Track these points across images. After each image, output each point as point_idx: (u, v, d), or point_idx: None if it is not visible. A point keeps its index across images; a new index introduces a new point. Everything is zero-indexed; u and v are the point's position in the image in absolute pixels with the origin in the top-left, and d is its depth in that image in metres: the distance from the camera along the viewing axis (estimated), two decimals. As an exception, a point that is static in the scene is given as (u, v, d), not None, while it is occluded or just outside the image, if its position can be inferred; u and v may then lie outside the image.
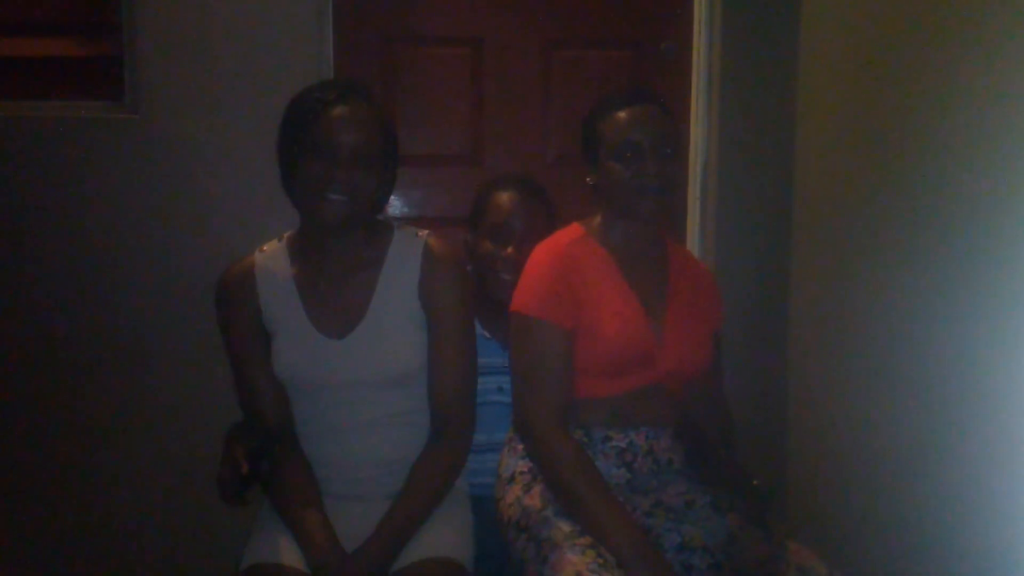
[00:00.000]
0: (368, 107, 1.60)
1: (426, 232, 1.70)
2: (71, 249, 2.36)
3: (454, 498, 1.70)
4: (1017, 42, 1.45)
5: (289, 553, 1.54)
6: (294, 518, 1.56)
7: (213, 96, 2.33)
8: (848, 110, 2.08)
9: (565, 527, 1.57)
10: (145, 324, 2.38)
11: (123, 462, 2.41)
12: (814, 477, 2.21)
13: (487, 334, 1.91)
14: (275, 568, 1.52)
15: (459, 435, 1.67)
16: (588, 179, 1.73)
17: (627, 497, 1.65)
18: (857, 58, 2.04)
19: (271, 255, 1.67)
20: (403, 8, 2.54)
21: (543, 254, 1.69)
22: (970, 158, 1.58)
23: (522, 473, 1.69)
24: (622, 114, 1.67)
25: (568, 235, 1.73)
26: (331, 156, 1.55)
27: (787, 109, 2.38)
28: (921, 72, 1.75)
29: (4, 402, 2.39)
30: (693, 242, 2.54)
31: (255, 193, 2.34)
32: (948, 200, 1.65)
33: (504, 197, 1.94)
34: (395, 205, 2.56)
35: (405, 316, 1.64)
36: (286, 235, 1.71)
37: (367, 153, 1.58)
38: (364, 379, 1.61)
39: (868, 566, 1.88)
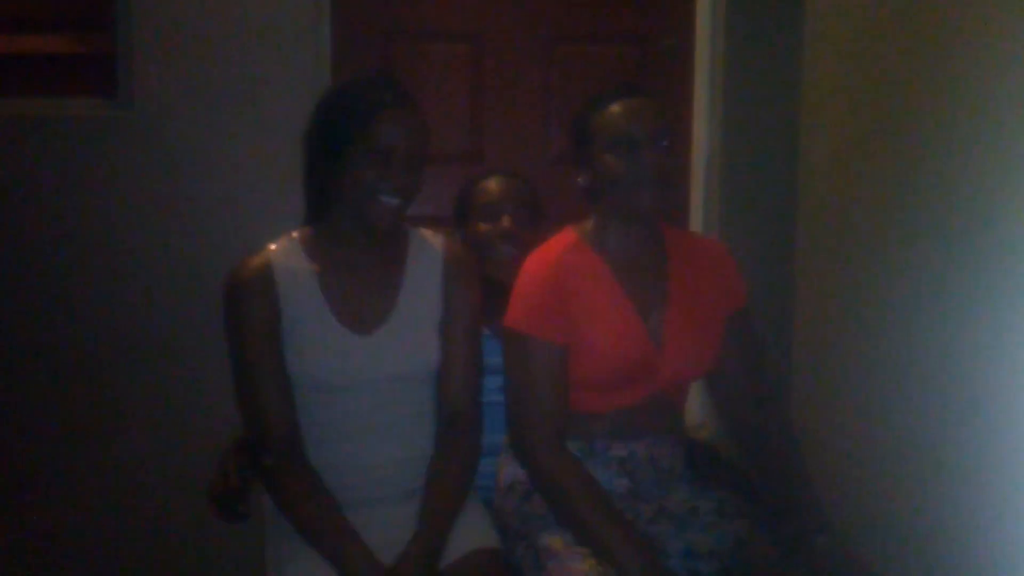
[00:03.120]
0: (417, 110, 1.61)
1: (440, 234, 1.72)
2: (65, 246, 2.35)
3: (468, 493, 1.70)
4: (1021, 42, 1.44)
5: (321, 574, 1.51)
6: (321, 537, 1.52)
7: (208, 92, 2.33)
8: (852, 106, 2.08)
9: (565, 536, 1.55)
10: (141, 321, 2.38)
11: (123, 460, 2.40)
12: (817, 472, 2.20)
13: (488, 331, 1.89)
14: None
15: (471, 431, 1.66)
16: (579, 179, 1.67)
17: (629, 505, 1.63)
18: (860, 51, 2.04)
19: (285, 252, 1.63)
20: (403, 4, 2.53)
21: (535, 266, 1.64)
22: (975, 152, 1.58)
23: (521, 482, 1.67)
24: (615, 107, 1.62)
25: (561, 243, 1.67)
26: (387, 160, 1.55)
27: (790, 103, 2.37)
28: (924, 65, 1.74)
29: (4, 400, 2.38)
30: (697, 240, 2.53)
31: (250, 190, 2.35)
32: (953, 196, 1.64)
33: (490, 182, 1.98)
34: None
35: (430, 312, 1.65)
36: (296, 233, 1.67)
37: (419, 156, 1.59)
38: (392, 374, 1.60)
39: (870, 560, 1.87)
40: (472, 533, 1.60)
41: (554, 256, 1.64)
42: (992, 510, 1.51)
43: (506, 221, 1.90)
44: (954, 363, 1.62)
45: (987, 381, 1.53)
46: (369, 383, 1.59)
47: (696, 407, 2.56)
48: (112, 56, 2.33)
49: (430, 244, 1.69)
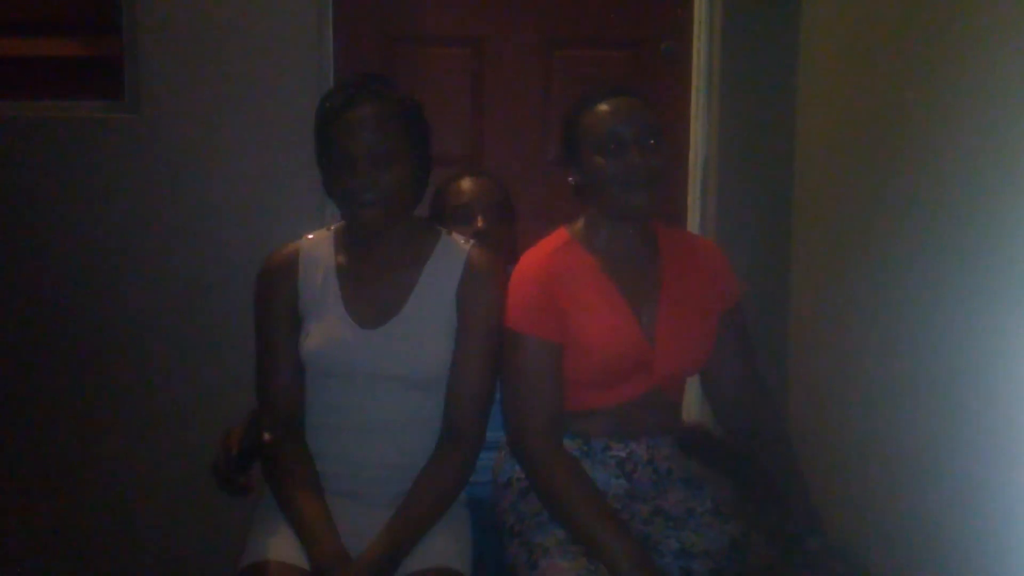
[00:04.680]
0: (380, 104, 1.59)
1: (472, 242, 1.71)
2: (71, 248, 2.36)
3: (454, 505, 1.68)
4: (1018, 41, 1.45)
5: (291, 550, 1.54)
6: (298, 515, 1.56)
7: (213, 96, 2.34)
8: (847, 109, 2.08)
9: (559, 533, 1.56)
10: (144, 322, 2.39)
11: (121, 460, 2.41)
12: (814, 474, 2.21)
13: None
14: (277, 566, 1.51)
15: (469, 445, 1.64)
16: (571, 179, 1.69)
17: (625, 504, 1.64)
18: (856, 57, 2.04)
19: (317, 243, 1.70)
20: (404, 8, 2.54)
21: (527, 266, 1.66)
22: (970, 155, 1.58)
23: (518, 479, 1.68)
24: (603, 107, 1.63)
25: (552, 243, 1.69)
26: (350, 164, 1.56)
27: (787, 108, 2.38)
28: (920, 70, 1.75)
29: (5, 400, 2.39)
30: (693, 241, 2.54)
31: (255, 192, 2.35)
32: (948, 199, 1.65)
33: (460, 183, 1.99)
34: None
35: (439, 319, 1.64)
36: (334, 225, 1.74)
37: (386, 152, 1.57)
38: (390, 373, 1.61)
39: (868, 563, 1.88)
40: (442, 550, 1.58)
41: (546, 255, 1.66)
42: (990, 510, 1.51)
43: (479, 223, 1.91)
44: (951, 361, 1.62)
45: (984, 380, 1.52)
46: (367, 378, 1.61)
47: (692, 405, 2.58)
48: (119, 59, 2.34)
49: (456, 250, 1.68)
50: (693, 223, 2.55)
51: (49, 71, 2.48)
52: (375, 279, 1.65)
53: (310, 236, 1.72)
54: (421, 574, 1.53)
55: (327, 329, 1.62)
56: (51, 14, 2.47)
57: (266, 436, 1.59)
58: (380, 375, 1.61)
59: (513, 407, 1.64)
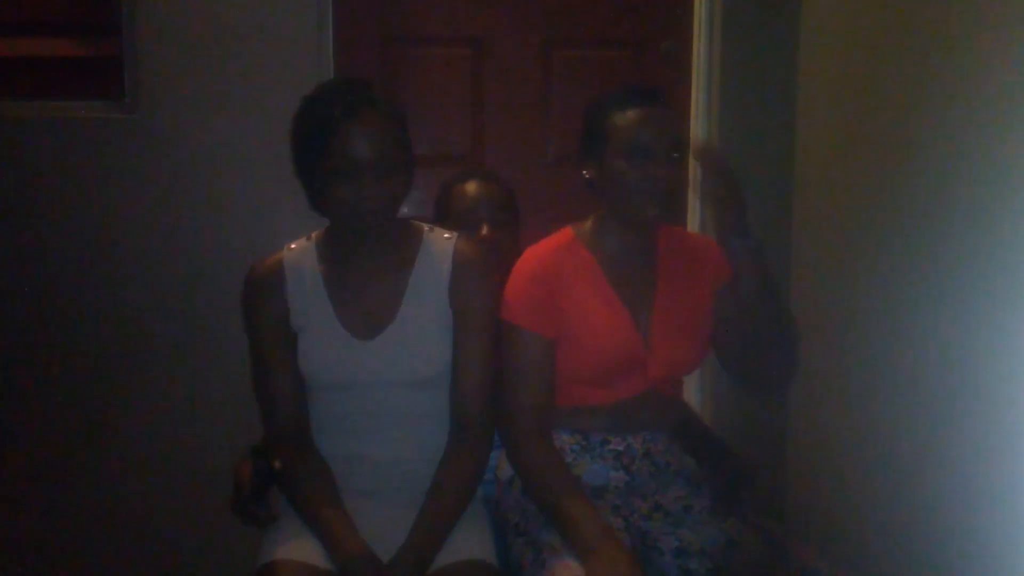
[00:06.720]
0: (377, 111, 1.56)
1: (455, 235, 1.70)
2: (71, 248, 2.36)
3: (472, 500, 1.68)
4: (1018, 41, 1.45)
5: (308, 550, 1.52)
6: (318, 521, 1.54)
7: (213, 96, 2.34)
8: (847, 108, 2.09)
9: None
10: (144, 322, 2.39)
11: (125, 460, 2.42)
12: (815, 477, 2.21)
13: None
14: (297, 565, 1.50)
15: (480, 437, 1.64)
16: (585, 172, 1.68)
17: (625, 500, 1.65)
18: (856, 56, 2.05)
19: (300, 253, 1.66)
20: (403, 8, 2.54)
21: (528, 261, 1.67)
22: (970, 155, 1.58)
23: None
24: (634, 113, 1.61)
25: (556, 240, 1.70)
26: (355, 174, 1.53)
27: (787, 108, 2.38)
28: (920, 70, 1.75)
29: (6, 401, 2.39)
30: (693, 241, 2.53)
31: (255, 192, 2.35)
32: (948, 199, 1.65)
33: (466, 187, 1.98)
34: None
35: (434, 317, 1.63)
36: (315, 233, 1.70)
37: (389, 159, 1.55)
38: (391, 380, 1.60)
39: (868, 565, 1.88)
40: (467, 543, 1.59)
41: (547, 253, 1.68)
42: (989, 510, 1.52)
43: (484, 230, 1.92)
44: (951, 361, 1.62)
45: (984, 380, 1.53)
46: (369, 387, 1.60)
47: (692, 400, 2.58)
48: (119, 59, 2.33)
49: (441, 246, 1.66)
50: (693, 223, 2.55)
51: (49, 71, 2.48)
52: (364, 287, 1.63)
53: (292, 246, 1.67)
54: (451, 568, 1.54)
55: (323, 345, 1.61)
56: (51, 14, 2.47)
57: (276, 464, 1.58)
58: (381, 383, 1.61)
59: (502, 396, 1.65)
